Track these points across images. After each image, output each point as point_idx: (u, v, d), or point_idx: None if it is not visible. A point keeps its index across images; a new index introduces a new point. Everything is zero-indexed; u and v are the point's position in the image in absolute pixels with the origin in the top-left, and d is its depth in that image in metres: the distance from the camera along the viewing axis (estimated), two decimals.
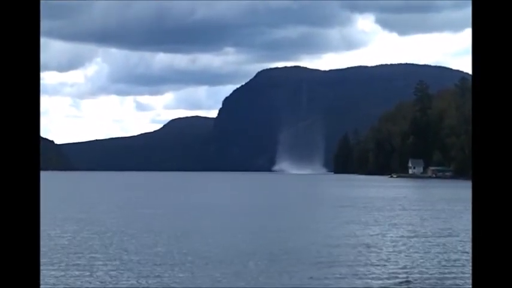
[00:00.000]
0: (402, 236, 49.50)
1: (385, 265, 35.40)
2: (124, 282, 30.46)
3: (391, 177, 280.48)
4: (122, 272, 32.95)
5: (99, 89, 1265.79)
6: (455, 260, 37.09)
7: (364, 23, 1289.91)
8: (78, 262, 35.98)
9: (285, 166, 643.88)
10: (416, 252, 40.61)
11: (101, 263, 35.78)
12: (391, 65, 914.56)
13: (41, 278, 29.04)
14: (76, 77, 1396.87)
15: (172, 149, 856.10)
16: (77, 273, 32.53)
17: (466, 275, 31.36)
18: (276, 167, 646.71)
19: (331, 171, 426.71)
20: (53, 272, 32.35)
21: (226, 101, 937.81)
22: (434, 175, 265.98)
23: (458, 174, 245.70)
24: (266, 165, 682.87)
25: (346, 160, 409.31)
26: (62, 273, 32.40)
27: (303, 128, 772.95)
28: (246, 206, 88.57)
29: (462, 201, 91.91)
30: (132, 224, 58.47)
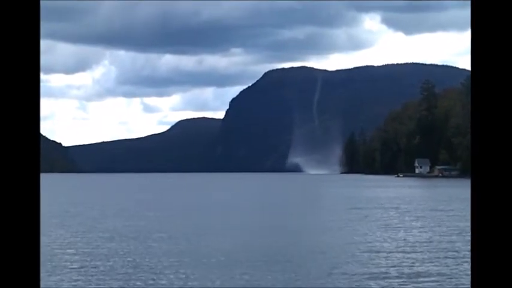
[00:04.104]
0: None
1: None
2: (133, 283, 30.57)
3: (398, 176, 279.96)
4: (130, 274, 33.03)
5: (106, 91, 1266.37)
6: None
7: (370, 23, 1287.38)
8: (82, 265, 36.06)
9: (298, 166, 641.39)
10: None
11: (106, 265, 35.85)
12: (398, 64, 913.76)
13: (43, 280, 29.27)
14: (83, 79, 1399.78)
15: (179, 150, 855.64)
16: (80, 275, 32.62)
17: None
18: (287, 167, 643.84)
19: (344, 171, 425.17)
20: (54, 277, 32.45)
21: (233, 102, 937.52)
22: (440, 174, 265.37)
23: (464, 173, 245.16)
24: (274, 166, 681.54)
25: (352, 160, 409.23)
26: (65, 276, 32.49)
27: (312, 128, 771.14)
28: (265, 207, 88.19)
29: None
30: (141, 226, 58.50)
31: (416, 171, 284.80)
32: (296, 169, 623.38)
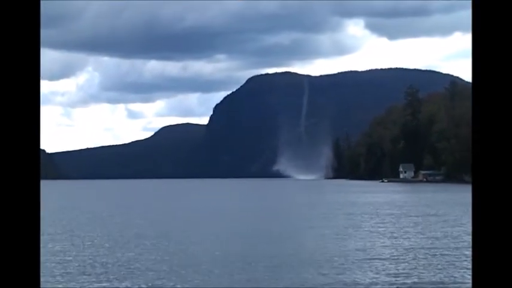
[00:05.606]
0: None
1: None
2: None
3: (382, 181, 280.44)
4: (122, 278, 33.02)
5: (90, 98, 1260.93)
6: None
7: (354, 28, 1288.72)
8: (75, 272, 36.05)
9: (283, 171, 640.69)
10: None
11: (99, 270, 35.82)
12: (381, 69, 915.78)
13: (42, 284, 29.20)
14: (67, 85, 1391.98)
15: (164, 156, 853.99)
16: (74, 282, 32.65)
17: None
18: (273, 173, 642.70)
19: (329, 177, 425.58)
20: (53, 279, 32.44)
21: (217, 107, 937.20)
22: (425, 179, 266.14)
23: (448, 178, 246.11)
24: (260, 172, 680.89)
25: (338, 165, 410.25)
26: (63, 281, 32.50)
27: (298, 133, 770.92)
28: (252, 213, 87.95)
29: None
30: (130, 232, 58.41)
31: (401, 176, 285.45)
32: (281, 174, 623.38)
